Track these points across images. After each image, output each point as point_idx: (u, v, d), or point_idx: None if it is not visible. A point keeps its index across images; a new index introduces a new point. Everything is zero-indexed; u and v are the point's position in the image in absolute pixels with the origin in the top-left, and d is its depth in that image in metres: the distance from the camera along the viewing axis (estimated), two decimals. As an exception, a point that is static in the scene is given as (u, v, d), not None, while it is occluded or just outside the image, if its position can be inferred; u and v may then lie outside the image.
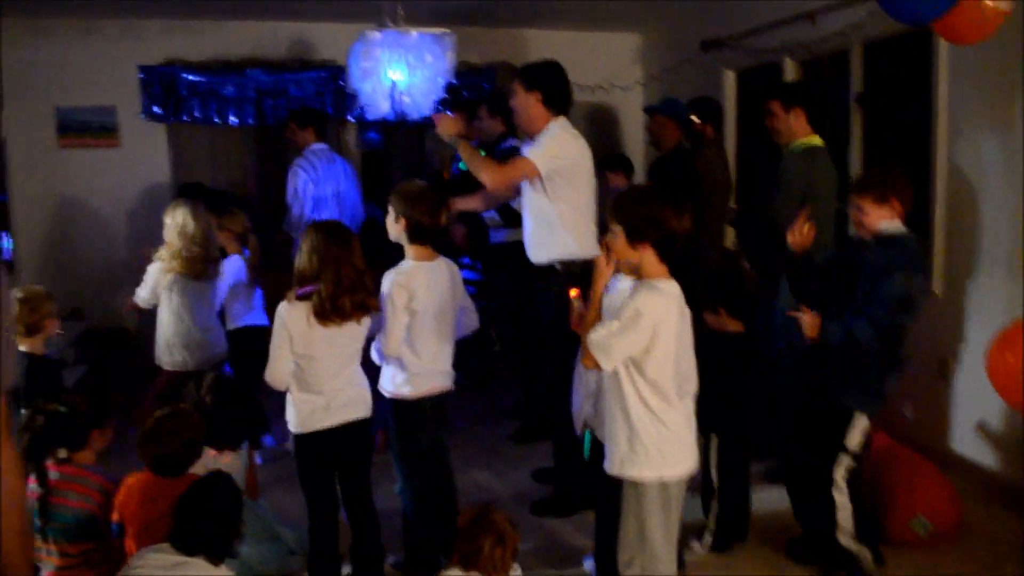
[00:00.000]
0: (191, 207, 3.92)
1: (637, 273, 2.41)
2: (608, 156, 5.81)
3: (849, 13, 4.39)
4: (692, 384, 2.47)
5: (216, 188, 5.67)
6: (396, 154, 6.50)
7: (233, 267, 4.27)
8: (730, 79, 5.71)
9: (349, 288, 2.67)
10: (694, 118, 4.82)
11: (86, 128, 5.78)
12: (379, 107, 4.10)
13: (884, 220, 2.95)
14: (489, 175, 3.50)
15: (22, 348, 3.08)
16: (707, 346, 3.28)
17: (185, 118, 5.88)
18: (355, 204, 5.39)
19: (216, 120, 5.95)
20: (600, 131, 6.77)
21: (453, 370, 3.09)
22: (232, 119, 5.97)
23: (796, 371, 3.34)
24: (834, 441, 3.04)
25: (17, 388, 3.03)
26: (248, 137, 6.13)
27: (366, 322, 2.81)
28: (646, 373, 2.34)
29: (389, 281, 2.87)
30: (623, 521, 2.45)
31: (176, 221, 3.85)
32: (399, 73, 3.98)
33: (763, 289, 3.87)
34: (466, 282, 5.32)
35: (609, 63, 6.65)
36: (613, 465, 2.43)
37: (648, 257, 2.35)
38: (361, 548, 2.97)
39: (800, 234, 3.07)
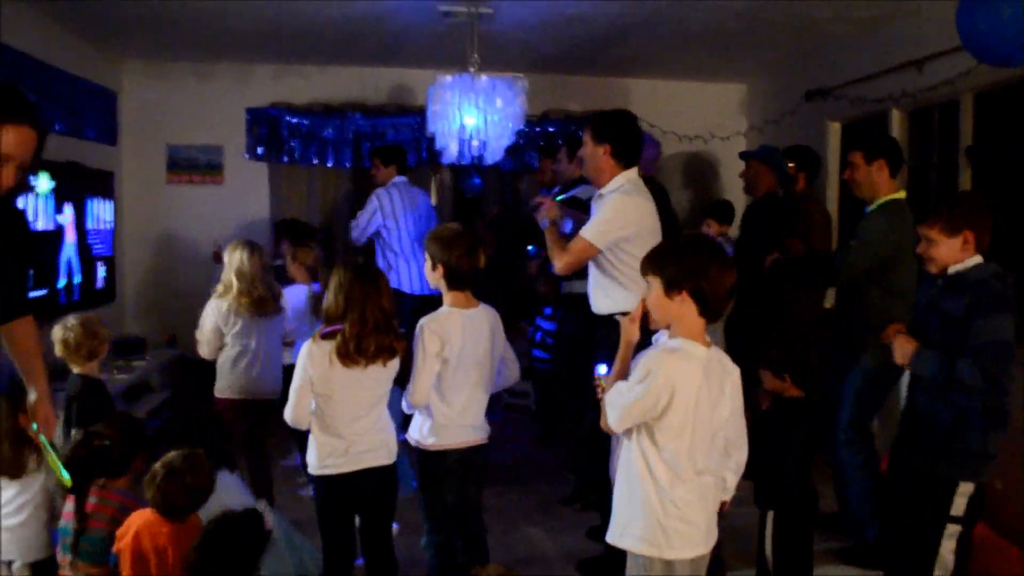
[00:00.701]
0: (248, 248, 3.94)
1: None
2: (707, 205, 5.61)
3: (958, 61, 4.03)
4: (715, 454, 2.22)
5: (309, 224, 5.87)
6: (492, 197, 6.47)
7: (292, 294, 4.34)
8: (834, 130, 5.40)
9: (373, 329, 2.59)
10: (789, 164, 4.58)
11: (193, 165, 6.06)
12: (451, 150, 4.08)
13: (955, 254, 2.67)
14: (558, 261, 3.37)
15: (78, 371, 3.17)
16: (765, 411, 3.08)
17: (285, 159, 6.07)
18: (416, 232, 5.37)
19: (315, 161, 6.12)
20: (700, 180, 6.57)
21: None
22: (330, 161, 6.12)
23: (895, 442, 3.04)
24: (938, 514, 2.74)
25: (70, 406, 3.13)
26: (344, 178, 6.27)
27: (392, 365, 2.72)
28: (657, 442, 2.12)
29: (421, 327, 2.77)
30: None
31: (232, 261, 3.89)
32: (470, 117, 3.95)
33: (842, 353, 3.58)
34: (547, 333, 5.28)
35: (712, 113, 6.47)
36: (614, 534, 2.21)
37: (686, 310, 2.12)
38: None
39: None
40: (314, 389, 2.65)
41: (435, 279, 2.83)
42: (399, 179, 5.31)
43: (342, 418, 2.67)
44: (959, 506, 2.72)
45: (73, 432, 2.94)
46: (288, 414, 2.69)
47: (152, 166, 6.02)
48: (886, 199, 3.57)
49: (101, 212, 5.26)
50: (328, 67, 6.09)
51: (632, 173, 3.43)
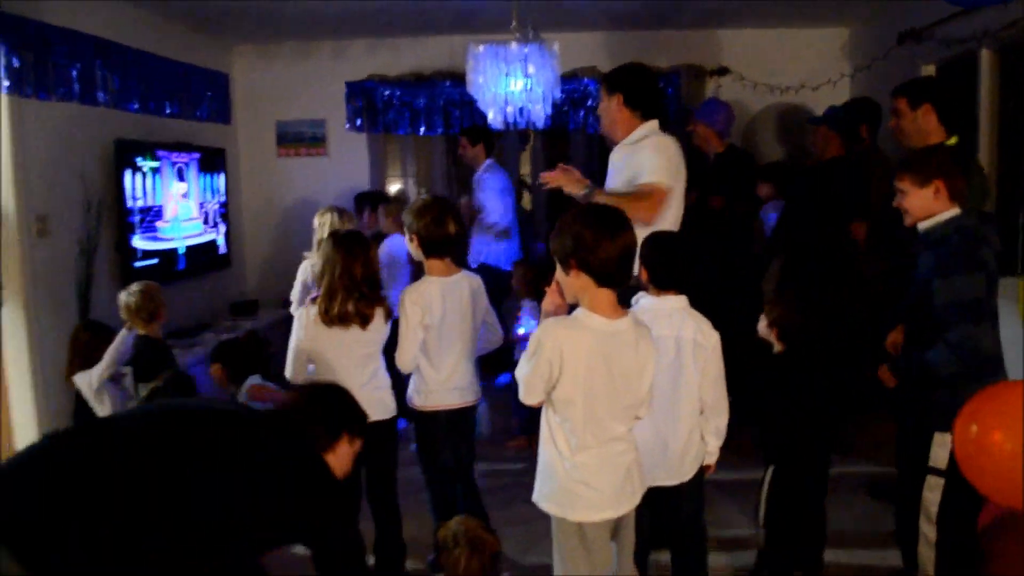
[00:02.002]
0: (337, 212, 4.28)
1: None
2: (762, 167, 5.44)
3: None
4: (626, 423, 2.24)
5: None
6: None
7: (393, 243, 4.78)
8: (928, 73, 5.01)
9: (344, 293, 2.82)
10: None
11: (300, 139, 6.52)
12: (493, 117, 4.22)
13: (928, 205, 2.57)
14: (642, 212, 3.05)
15: (141, 332, 3.61)
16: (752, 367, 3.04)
17: (380, 129, 6.39)
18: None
19: (409, 129, 6.40)
20: (800, 133, 6.28)
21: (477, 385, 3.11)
22: (423, 128, 6.38)
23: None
24: (915, 466, 2.70)
25: (135, 363, 3.59)
26: (437, 145, 6.53)
27: (375, 328, 2.93)
28: (555, 410, 2.18)
29: (402, 296, 2.96)
30: (553, 557, 2.33)
31: (324, 223, 4.22)
32: (509, 83, 4.05)
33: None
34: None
35: (811, 61, 6.14)
36: (535, 494, 2.31)
37: (584, 283, 2.12)
38: (383, 543, 3.10)
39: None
40: (307, 348, 2.92)
41: (414, 249, 3.00)
42: (489, 162, 5.56)
43: (334, 376, 2.91)
44: (940, 458, 2.61)
45: (139, 387, 3.39)
46: (287, 371, 2.97)
47: (263, 141, 6.54)
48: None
49: (215, 185, 5.81)
50: (419, 37, 6.31)
51: (654, 124, 3.36)
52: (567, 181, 3.26)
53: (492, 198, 5.55)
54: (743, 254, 5.01)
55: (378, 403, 2.99)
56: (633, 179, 3.20)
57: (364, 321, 2.88)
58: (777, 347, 2.94)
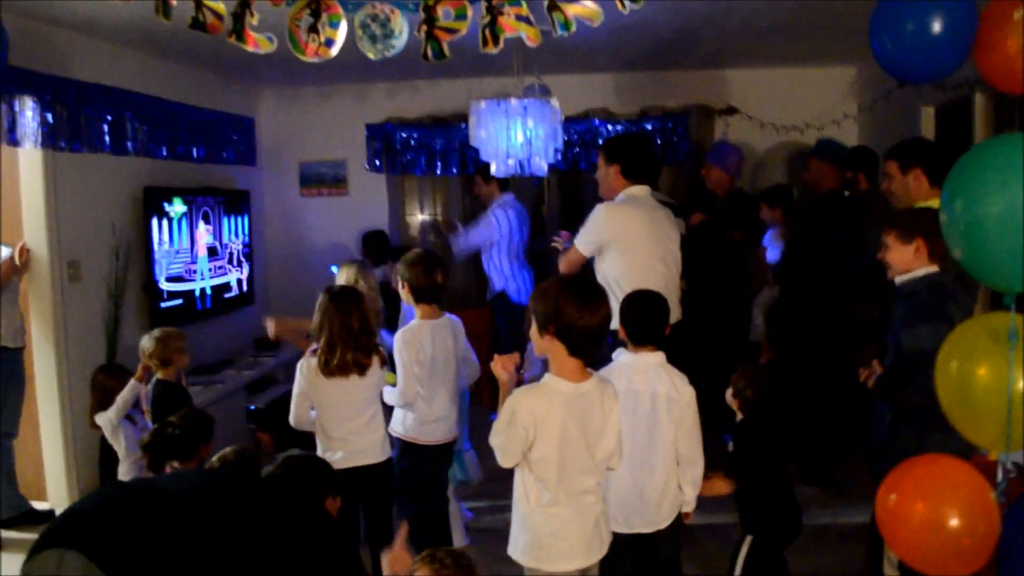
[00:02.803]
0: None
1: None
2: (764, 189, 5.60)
3: None
4: (596, 476, 2.38)
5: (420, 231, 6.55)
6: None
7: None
8: (928, 116, 5.11)
9: (342, 346, 3.02)
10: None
11: (322, 179, 6.78)
12: (495, 166, 4.41)
13: (907, 260, 2.71)
14: (562, 264, 3.84)
15: (159, 376, 3.82)
16: (741, 434, 3.15)
17: (398, 170, 6.62)
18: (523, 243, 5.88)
19: (426, 170, 6.62)
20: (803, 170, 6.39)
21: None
22: (439, 169, 6.60)
23: None
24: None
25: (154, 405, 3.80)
26: (453, 184, 6.73)
27: (371, 375, 3.12)
28: (530, 468, 2.32)
29: (397, 339, 3.19)
30: None
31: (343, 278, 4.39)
32: (508, 136, 4.23)
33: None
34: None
35: (818, 99, 6.26)
36: (510, 547, 2.44)
37: (556, 348, 2.29)
38: (380, 581, 3.28)
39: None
40: (310, 396, 3.12)
41: (405, 296, 3.24)
42: (508, 197, 5.74)
43: (334, 422, 3.12)
44: None
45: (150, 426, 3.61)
46: (291, 418, 3.17)
47: (287, 182, 6.81)
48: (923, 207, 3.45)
49: (239, 226, 6.06)
50: (435, 81, 6.54)
51: (636, 188, 3.69)
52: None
53: (481, 227, 5.74)
54: (738, 290, 5.21)
55: (375, 446, 3.20)
56: None
57: (362, 370, 3.08)
58: (738, 416, 3.08)
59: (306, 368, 3.10)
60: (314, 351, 3.10)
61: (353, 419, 3.13)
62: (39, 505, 4.36)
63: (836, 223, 4.45)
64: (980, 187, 1.92)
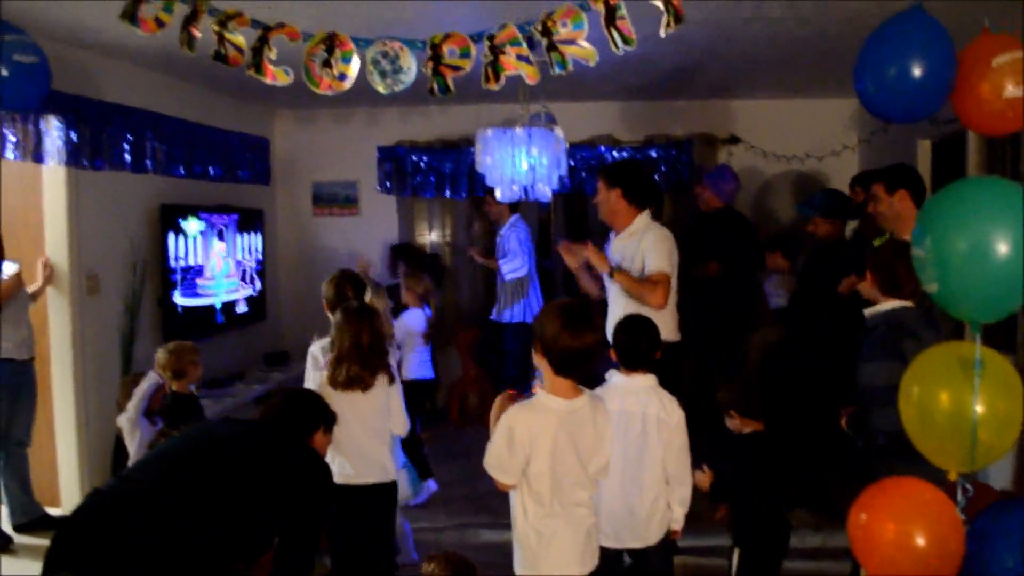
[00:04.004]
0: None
1: None
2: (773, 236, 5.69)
3: None
4: (588, 490, 2.48)
5: (429, 250, 6.77)
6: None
7: (412, 318, 5.03)
8: (924, 150, 5.24)
9: (348, 361, 3.14)
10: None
11: (334, 199, 6.95)
12: (497, 194, 4.59)
13: (875, 295, 2.83)
14: (654, 298, 3.62)
15: (173, 388, 3.96)
16: (730, 448, 3.26)
17: (408, 192, 6.78)
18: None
19: (435, 193, 6.78)
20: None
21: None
22: (448, 192, 6.76)
23: None
24: None
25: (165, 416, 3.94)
26: (462, 206, 6.88)
27: (375, 395, 3.22)
28: (527, 483, 2.42)
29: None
30: None
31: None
32: (513, 163, 4.39)
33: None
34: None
35: (820, 130, 6.39)
36: (514, 564, 2.53)
37: (545, 367, 2.39)
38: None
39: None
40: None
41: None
42: (516, 217, 5.97)
43: (341, 436, 3.22)
44: None
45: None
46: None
47: (300, 201, 6.98)
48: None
49: (253, 243, 6.23)
50: (446, 106, 6.70)
51: (647, 217, 3.80)
52: (598, 260, 3.81)
53: (515, 252, 5.97)
54: (736, 318, 5.29)
55: (378, 466, 3.28)
56: (642, 268, 3.72)
57: (368, 385, 3.19)
58: (748, 428, 3.18)
59: (319, 379, 3.23)
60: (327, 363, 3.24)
61: (360, 433, 3.22)
62: (54, 511, 4.49)
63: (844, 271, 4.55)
64: (948, 225, 2.05)
